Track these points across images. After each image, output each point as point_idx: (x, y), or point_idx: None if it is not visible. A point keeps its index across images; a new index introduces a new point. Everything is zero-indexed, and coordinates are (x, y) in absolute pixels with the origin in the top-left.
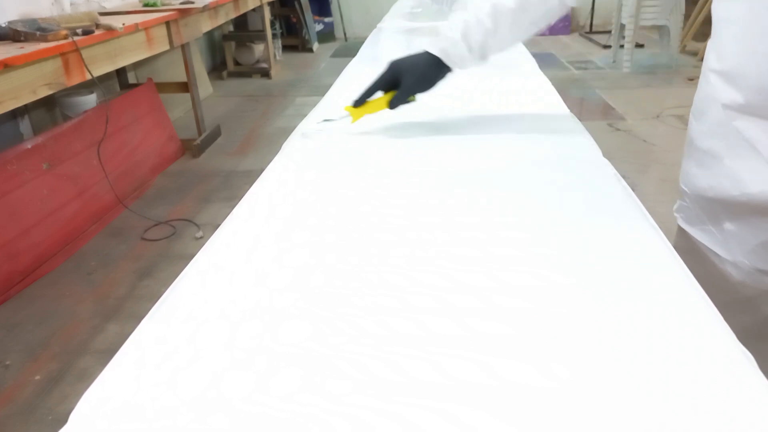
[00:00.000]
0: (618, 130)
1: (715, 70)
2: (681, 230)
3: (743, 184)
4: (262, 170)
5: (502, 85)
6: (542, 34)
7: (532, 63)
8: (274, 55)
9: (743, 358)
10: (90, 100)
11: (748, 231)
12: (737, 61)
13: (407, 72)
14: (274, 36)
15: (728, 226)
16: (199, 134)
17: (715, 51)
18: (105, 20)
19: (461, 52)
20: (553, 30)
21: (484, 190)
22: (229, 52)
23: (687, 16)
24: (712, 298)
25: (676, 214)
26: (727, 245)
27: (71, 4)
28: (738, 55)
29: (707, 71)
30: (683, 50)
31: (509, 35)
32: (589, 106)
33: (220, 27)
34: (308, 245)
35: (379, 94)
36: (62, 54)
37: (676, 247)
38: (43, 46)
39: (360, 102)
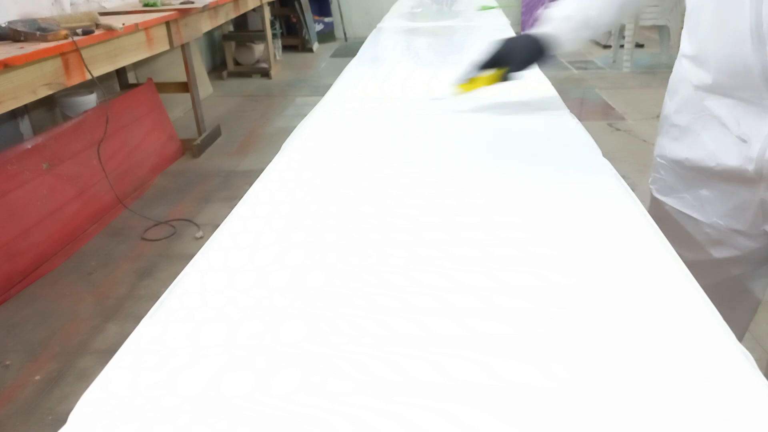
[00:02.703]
0: (618, 130)
1: (686, 55)
2: (655, 200)
3: (717, 156)
4: (262, 170)
5: (501, 85)
6: None
7: None
8: (274, 55)
9: (743, 358)
10: (90, 100)
11: (723, 196)
12: (705, 46)
13: (517, 51)
14: (274, 36)
15: (704, 192)
16: (199, 134)
17: (687, 37)
18: (105, 20)
19: (564, 34)
20: None
21: (483, 190)
22: (229, 52)
23: None
24: (685, 260)
25: (651, 186)
26: (703, 210)
27: (71, 4)
28: (705, 40)
29: (681, 56)
30: None
31: (609, 18)
32: (589, 106)
33: (220, 27)
34: (308, 245)
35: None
36: (62, 54)
37: (651, 215)
38: (43, 46)
39: (466, 79)
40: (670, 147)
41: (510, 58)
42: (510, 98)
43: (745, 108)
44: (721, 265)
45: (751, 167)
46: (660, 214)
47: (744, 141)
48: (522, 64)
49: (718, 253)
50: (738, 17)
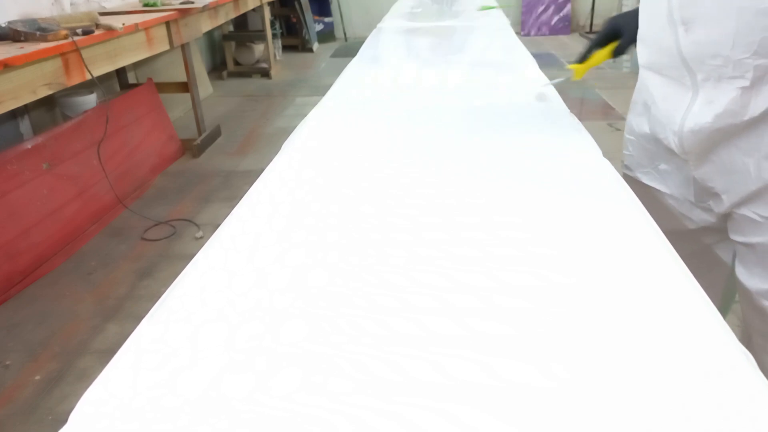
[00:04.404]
0: (618, 130)
1: (638, 36)
2: (626, 176)
3: (661, 128)
4: (262, 170)
5: (502, 85)
6: (542, 34)
7: (532, 63)
8: (274, 55)
9: (743, 358)
10: (90, 100)
11: (675, 168)
12: (642, 28)
13: (627, 25)
14: (274, 36)
15: (662, 165)
16: (199, 134)
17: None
18: (105, 20)
19: None
20: (553, 30)
21: (483, 190)
22: (229, 52)
23: None
24: (661, 228)
25: (623, 163)
26: (664, 181)
27: (71, 4)
28: (642, 22)
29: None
30: None
31: None
32: (589, 106)
33: (220, 27)
34: (308, 245)
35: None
36: (62, 54)
37: None
38: (43, 46)
39: (583, 59)
40: (636, 122)
41: (623, 29)
42: (510, 99)
43: (671, 85)
44: (692, 235)
45: (676, 141)
46: (632, 189)
47: (670, 115)
48: (635, 37)
49: (685, 222)
50: (658, 2)
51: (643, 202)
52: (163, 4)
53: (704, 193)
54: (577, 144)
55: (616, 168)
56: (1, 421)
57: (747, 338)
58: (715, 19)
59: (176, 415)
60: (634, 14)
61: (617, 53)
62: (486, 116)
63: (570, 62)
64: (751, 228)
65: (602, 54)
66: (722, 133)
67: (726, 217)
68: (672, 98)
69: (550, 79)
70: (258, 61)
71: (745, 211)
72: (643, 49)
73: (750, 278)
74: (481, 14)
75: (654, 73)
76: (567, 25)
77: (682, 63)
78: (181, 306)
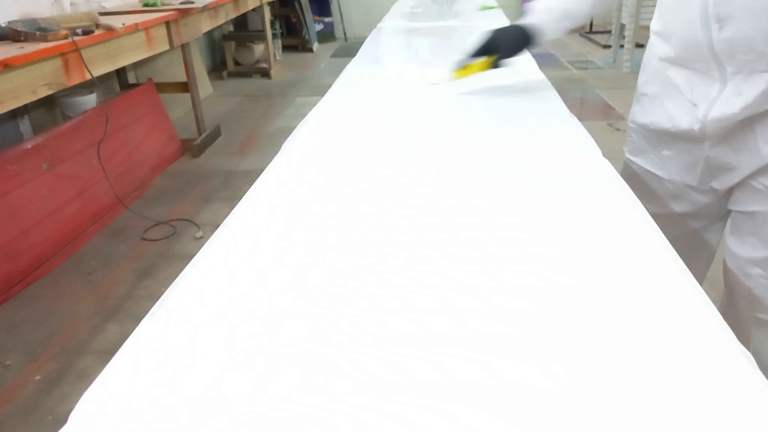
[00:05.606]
0: (618, 130)
1: (654, 31)
2: (627, 161)
3: (674, 118)
4: (262, 170)
5: (502, 85)
6: None
7: (532, 63)
8: (274, 55)
9: (743, 358)
10: (90, 100)
11: (679, 155)
12: (668, 24)
13: (504, 40)
14: (274, 36)
15: (665, 152)
16: (199, 134)
17: (657, 15)
18: (105, 20)
19: (547, 24)
20: None
21: (483, 190)
22: (229, 52)
23: None
24: (651, 213)
25: (624, 149)
26: (665, 167)
27: (71, 4)
28: (668, 19)
29: (651, 33)
30: None
31: (585, 10)
32: (589, 106)
33: (220, 27)
34: (308, 245)
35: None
36: (62, 54)
37: (622, 175)
38: (43, 46)
39: (460, 66)
40: (640, 113)
41: (499, 46)
42: (511, 99)
43: (698, 77)
44: (681, 220)
45: (697, 127)
46: (629, 172)
47: (694, 105)
48: (510, 52)
49: (678, 207)
50: (691, 1)
51: (634, 185)
52: (163, 4)
53: (713, 172)
54: (577, 144)
55: (616, 168)
56: (1, 421)
57: (732, 309)
58: (750, 17)
59: (176, 415)
60: (510, 31)
61: (495, 65)
62: (486, 116)
63: (455, 69)
64: (755, 197)
65: (481, 65)
66: (745, 121)
67: (727, 194)
68: (698, 89)
69: (551, 79)
70: (258, 61)
71: (752, 182)
72: (665, 44)
73: (742, 247)
74: (481, 14)
75: (678, 66)
76: None
77: (712, 57)
78: (181, 306)
